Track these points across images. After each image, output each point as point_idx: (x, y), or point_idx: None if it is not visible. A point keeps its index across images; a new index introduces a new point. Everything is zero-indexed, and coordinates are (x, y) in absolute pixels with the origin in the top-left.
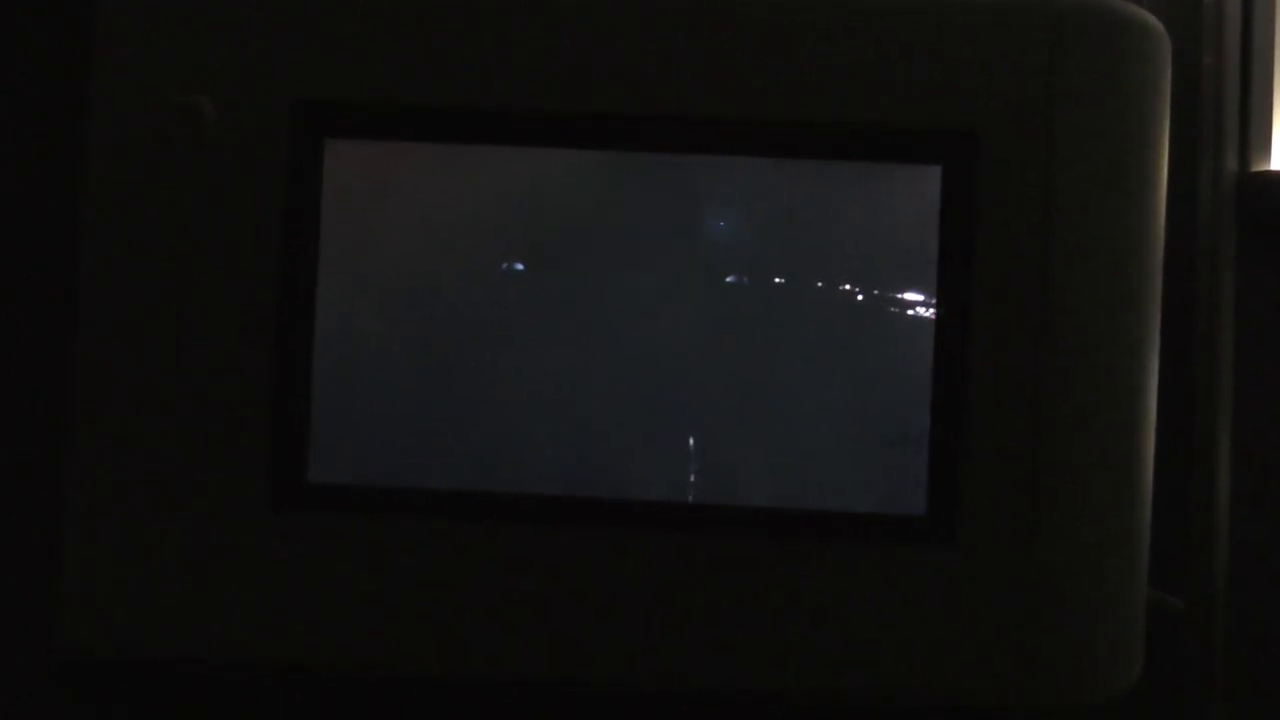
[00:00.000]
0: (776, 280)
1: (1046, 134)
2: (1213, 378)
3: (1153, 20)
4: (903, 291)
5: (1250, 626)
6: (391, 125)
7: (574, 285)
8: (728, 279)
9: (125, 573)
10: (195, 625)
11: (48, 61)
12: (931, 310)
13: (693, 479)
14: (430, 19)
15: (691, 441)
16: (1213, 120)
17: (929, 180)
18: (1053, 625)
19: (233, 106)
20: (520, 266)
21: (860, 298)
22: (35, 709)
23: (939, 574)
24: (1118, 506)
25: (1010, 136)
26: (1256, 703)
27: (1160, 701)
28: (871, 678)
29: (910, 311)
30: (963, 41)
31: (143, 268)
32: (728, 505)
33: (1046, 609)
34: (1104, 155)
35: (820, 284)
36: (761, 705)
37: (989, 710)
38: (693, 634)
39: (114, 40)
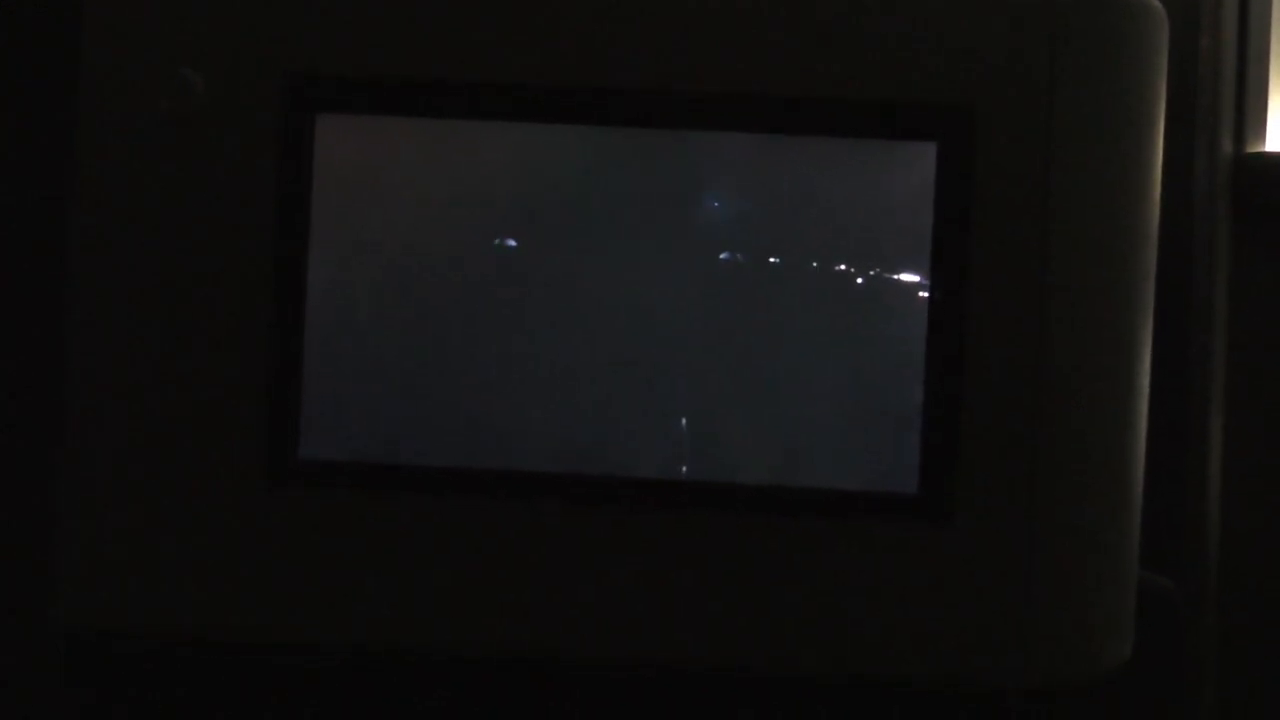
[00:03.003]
0: (771, 258)
1: (1044, 112)
2: (1206, 356)
3: (1151, 1)
4: (899, 269)
5: (1239, 606)
6: (384, 100)
7: (567, 262)
8: (721, 256)
9: (119, 549)
10: (189, 600)
11: (39, 37)
12: (927, 288)
13: (687, 456)
14: None
15: (685, 420)
16: (1209, 102)
17: (927, 158)
18: (1044, 604)
19: (224, 81)
20: (513, 243)
21: (856, 275)
22: (30, 684)
23: (931, 553)
24: (1109, 486)
25: (1007, 114)
26: (1245, 680)
27: (1150, 679)
28: (862, 655)
29: (906, 289)
30: (961, 18)
31: (135, 244)
32: (722, 483)
33: (1038, 588)
34: (1101, 133)
35: (815, 261)
36: (749, 681)
37: (979, 688)
38: (686, 610)
39: (105, 15)
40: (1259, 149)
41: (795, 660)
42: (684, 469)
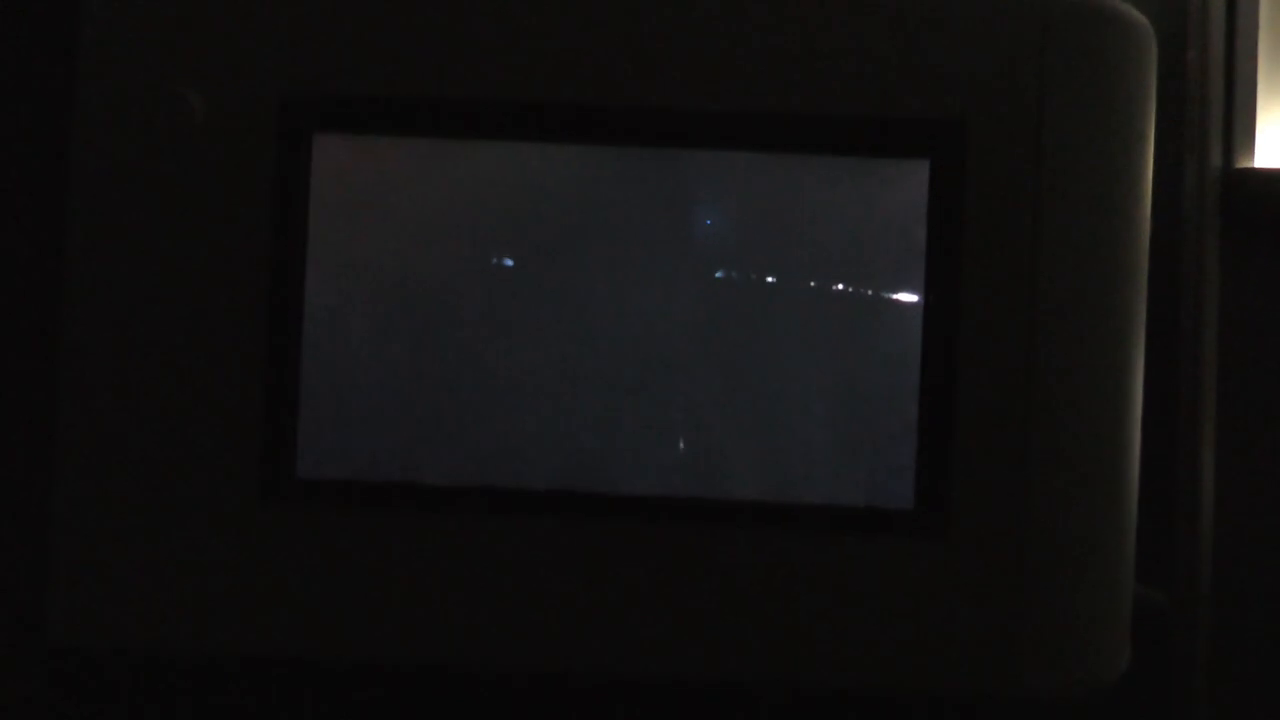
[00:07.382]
0: (766, 276)
1: (1034, 128)
2: (1197, 371)
3: (1139, 16)
4: (892, 285)
5: (1234, 620)
6: (381, 120)
7: (563, 281)
8: (716, 274)
9: (112, 566)
10: (183, 618)
11: (33, 58)
12: (920, 305)
13: (683, 473)
14: (420, 12)
15: (682, 439)
16: (1197, 117)
17: (918, 174)
18: (1039, 618)
19: (221, 101)
20: (509, 262)
21: (852, 292)
22: (23, 701)
23: (926, 568)
24: (1104, 501)
25: (999, 130)
26: (1240, 694)
27: (1145, 695)
28: (858, 670)
29: (899, 306)
30: (952, 35)
31: (130, 261)
32: (718, 499)
33: (1033, 602)
34: (1091, 149)
35: (810, 279)
36: (746, 697)
37: (976, 701)
38: (680, 626)
39: (101, 35)
40: (1248, 165)
41: (786, 672)
42: (680, 485)
